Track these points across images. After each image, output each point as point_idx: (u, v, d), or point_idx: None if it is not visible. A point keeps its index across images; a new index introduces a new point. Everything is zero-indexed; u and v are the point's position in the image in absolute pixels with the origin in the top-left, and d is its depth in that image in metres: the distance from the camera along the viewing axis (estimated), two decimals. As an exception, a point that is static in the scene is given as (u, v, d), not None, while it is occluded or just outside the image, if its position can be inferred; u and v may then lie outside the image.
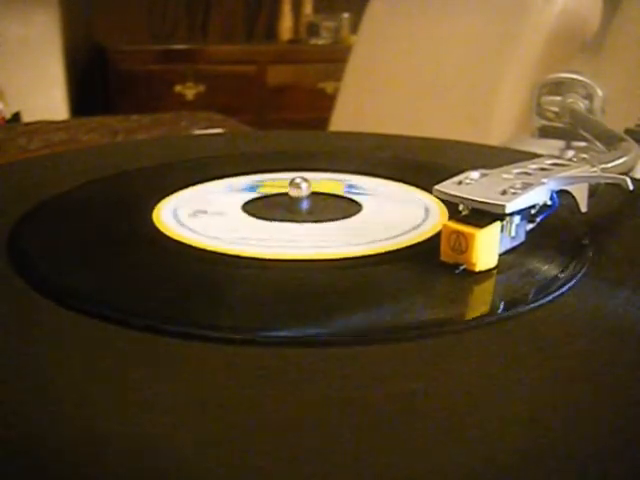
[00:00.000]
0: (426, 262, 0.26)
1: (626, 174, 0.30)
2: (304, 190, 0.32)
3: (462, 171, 0.27)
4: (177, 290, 0.24)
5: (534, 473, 0.15)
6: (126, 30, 2.07)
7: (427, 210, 0.32)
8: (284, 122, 2.01)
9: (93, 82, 2.04)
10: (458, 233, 0.24)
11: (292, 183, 0.32)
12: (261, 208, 0.32)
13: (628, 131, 0.44)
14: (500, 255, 0.25)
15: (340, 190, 0.35)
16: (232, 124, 0.93)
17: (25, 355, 0.20)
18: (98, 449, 0.16)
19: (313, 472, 0.15)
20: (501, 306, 0.23)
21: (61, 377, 0.19)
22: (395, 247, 0.27)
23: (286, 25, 2.19)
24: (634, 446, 0.16)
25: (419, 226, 0.30)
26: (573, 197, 0.29)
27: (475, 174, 0.27)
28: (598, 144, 0.38)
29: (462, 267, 0.25)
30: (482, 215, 0.25)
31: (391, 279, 0.25)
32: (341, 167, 0.39)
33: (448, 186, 0.26)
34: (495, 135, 0.93)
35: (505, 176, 0.27)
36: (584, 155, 0.30)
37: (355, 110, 1.12)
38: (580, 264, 0.26)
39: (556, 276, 0.25)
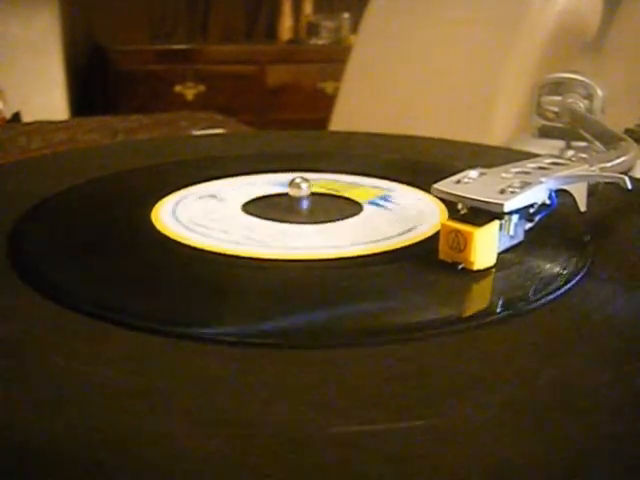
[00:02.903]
0: (425, 261, 0.26)
1: (625, 174, 0.30)
2: (304, 190, 0.32)
3: (461, 170, 0.27)
4: (175, 290, 0.24)
5: (535, 474, 0.15)
6: (126, 30, 2.07)
7: (426, 209, 0.32)
8: (284, 122, 2.01)
9: (93, 82, 2.04)
10: (457, 232, 0.25)
11: (292, 183, 0.32)
12: (261, 208, 0.32)
13: (628, 131, 0.44)
14: (499, 254, 0.26)
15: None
16: (232, 124, 0.93)
17: (23, 355, 0.20)
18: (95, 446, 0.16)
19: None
20: (499, 305, 0.23)
21: (60, 377, 0.19)
22: (394, 246, 0.27)
23: (286, 25, 2.19)
24: (636, 445, 0.16)
25: (418, 225, 0.30)
26: (572, 196, 0.29)
27: (474, 173, 0.27)
28: (598, 144, 0.38)
29: (461, 266, 0.25)
30: (481, 214, 0.25)
31: (390, 278, 0.25)
32: (341, 167, 0.39)
33: (447, 185, 0.26)
34: (495, 135, 0.93)
35: (504, 175, 0.27)
36: (583, 155, 0.30)
37: (355, 110, 1.12)
38: (578, 263, 0.26)
39: (554, 275, 0.25)
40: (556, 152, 0.47)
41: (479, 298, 0.25)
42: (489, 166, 0.28)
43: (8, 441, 0.16)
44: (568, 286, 0.24)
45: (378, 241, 0.28)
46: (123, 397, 0.18)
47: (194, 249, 0.27)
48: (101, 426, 0.16)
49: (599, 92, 0.46)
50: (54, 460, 0.15)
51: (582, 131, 0.43)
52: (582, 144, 0.44)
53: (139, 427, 0.16)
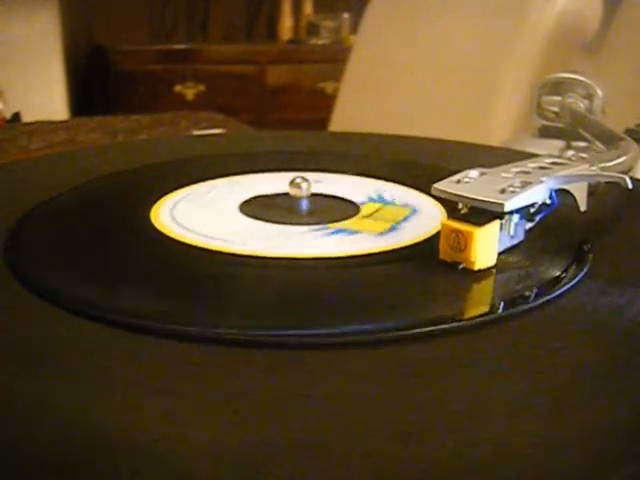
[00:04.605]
0: (425, 261, 0.26)
1: (625, 173, 0.30)
2: (304, 190, 0.32)
3: (461, 170, 0.27)
4: (176, 289, 0.24)
5: (534, 471, 0.15)
6: (126, 30, 2.07)
7: (426, 209, 0.32)
8: (284, 122, 2.01)
9: (93, 82, 2.04)
10: (457, 232, 0.25)
11: (292, 183, 0.32)
12: (260, 208, 0.32)
13: (628, 131, 0.44)
14: (499, 254, 0.26)
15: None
16: (232, 124, 0.93)
17: (25, 357, 0.20)
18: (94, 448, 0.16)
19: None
20: (500, 305, 0.23)
21: (61, 379, 0.19)
22: (394, 246, 0.27)
23: (286, 25, 2.19)
24: (635, 446, 0.16)
25: (418, 225, 0.30)
26: (572, 196, 0.29)
27: (474, 173, 0.27)
28: (598, 144, 0.38)
29: (461, 266, 0.25)
30: (481, 214, 0.25)
31: (390, 278, 0.25)
32: (341, 167, 0.39)
33: (447, 185, 0.26)
34: (495, 135, 0.93)
35: (504, 175, 0.27)
36: (583, 154, 0.30)
37: (355, 110, 1.12)
38: (579, 263, 0.26)
39: (555, 275, 0.25)
40: (556, 152, 0.47)
41: (480, 298, 0.25)
42: (489, 166, 0.28)
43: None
44: (568, 286, 0.24)
45: (377, 241, 0.28)
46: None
47: (194, 248, 0.27)
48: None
49: (599, 92, 0.46)
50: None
51: (582, 131, 0.43)
52: (582, 144, 0.44)
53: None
